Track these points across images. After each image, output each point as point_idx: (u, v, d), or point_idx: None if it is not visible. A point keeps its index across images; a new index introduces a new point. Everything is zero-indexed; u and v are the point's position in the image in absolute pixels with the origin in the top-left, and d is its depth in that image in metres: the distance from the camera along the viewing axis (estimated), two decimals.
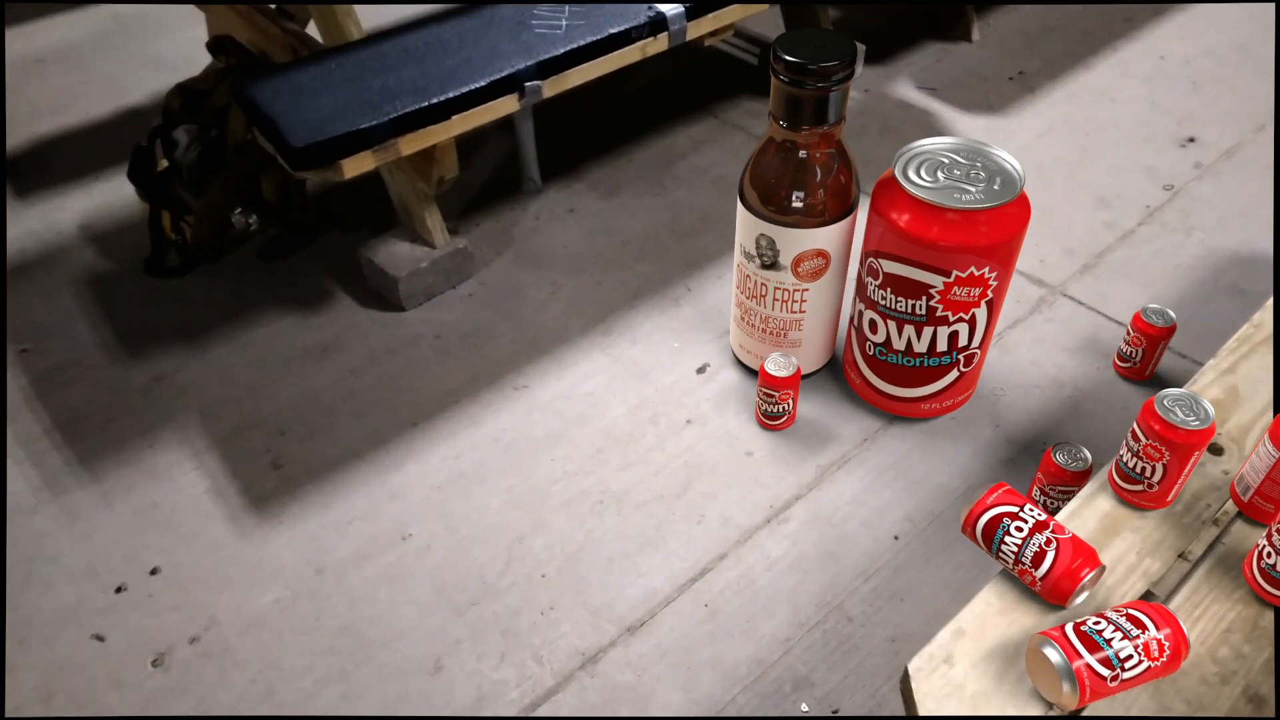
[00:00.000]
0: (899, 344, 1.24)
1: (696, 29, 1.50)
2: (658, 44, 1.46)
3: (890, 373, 1.28)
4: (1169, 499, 0.84)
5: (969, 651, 0.75)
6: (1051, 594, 0.76)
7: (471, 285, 1.59)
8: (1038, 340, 1.47)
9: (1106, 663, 0.69)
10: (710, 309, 1.54)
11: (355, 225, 1.68)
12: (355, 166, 1.24)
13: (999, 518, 0.79)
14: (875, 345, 1.27)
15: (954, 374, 1.26)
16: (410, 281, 1.51)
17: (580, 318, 1.52)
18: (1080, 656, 0.69)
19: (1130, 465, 0.84)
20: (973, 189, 1.12)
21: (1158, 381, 1.40)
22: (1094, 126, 1.93)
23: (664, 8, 1.46)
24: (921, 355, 1.23)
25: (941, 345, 1.22)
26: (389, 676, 1.09)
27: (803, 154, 1.18)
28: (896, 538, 1.21)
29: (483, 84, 1.30)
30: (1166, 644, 0.70)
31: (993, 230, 1.11)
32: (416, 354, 1.47)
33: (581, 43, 1.38)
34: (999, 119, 1.97)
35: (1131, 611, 0.71)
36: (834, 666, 1.08)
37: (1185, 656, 0.71)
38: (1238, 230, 1.68)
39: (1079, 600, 0.78)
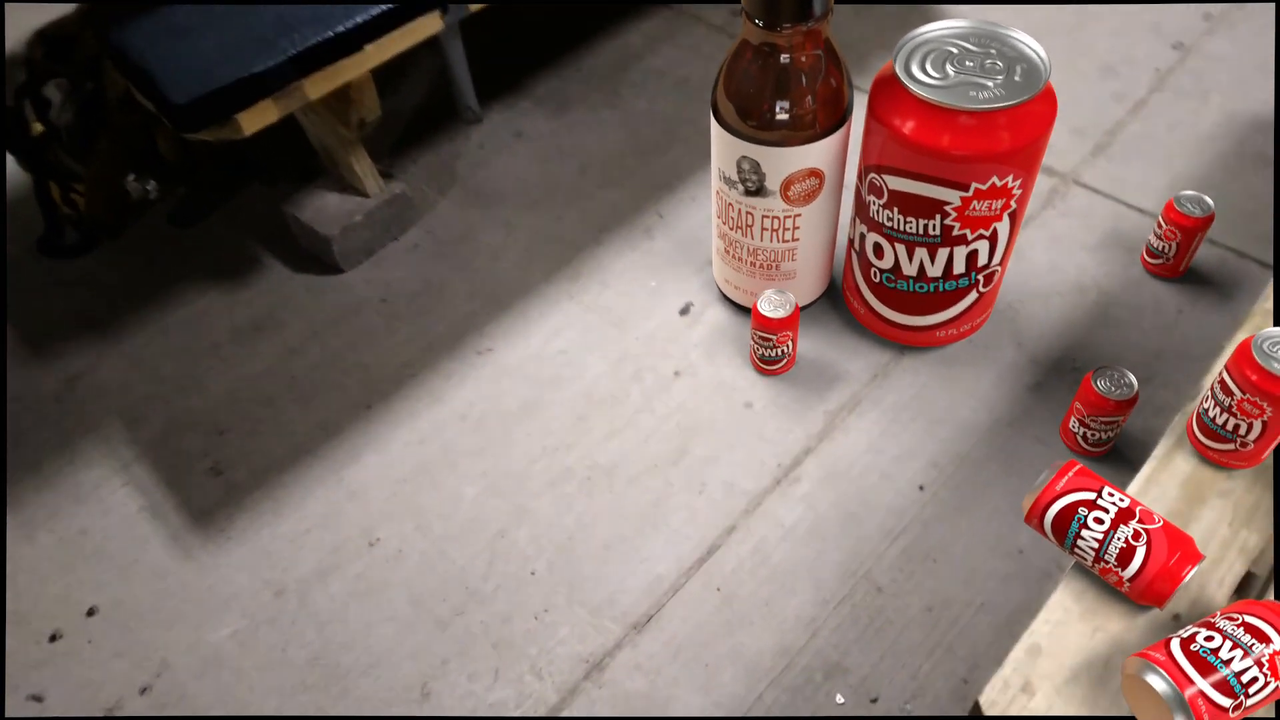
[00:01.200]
0: (909, 269, 1.08)
1: None
2: None
3: (899, 300, 1.13)
4: (1264, 457, 0.71)
5: (1049, 674, 0.63)
6: (1144, 596, 0.64)
7: (416, 235, 1.40)
8: (1053, 240, 1.32)
9: (1225, 688, 0.56)
10: (687, 237, 1.36)
11: (275, 175, 1.47)
12: (255, 120, 1.03)
13: (1073, 507, 0.66)
14: (881, 272, 1.11)
15: (972, 296, 1.11)
16: (345, 239, 1.32)
17: (542, 262, 1.35)
18: (1192, 683, 0.57)
19: (1218, 421, 0.70)
20: (989, 83, 0.95)
21: (1194, 277, 1.25)
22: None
23: None
24: (936, 280, 1.08)
25: (959, 267, 1.06)
26: (371, 709, 0.96)
27: (785, 58, 0.99)
28: (921, 488, 1.08)
29: (393, 3, 1.09)
30: None
31: (1016, 132, 0.95)
32: (362, 323, 1.30)
33: None
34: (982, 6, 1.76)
35: (1249, 620, 0.59)
36: (867, 647, 0.97)
37: None
38: (1259, 89, 1.52)
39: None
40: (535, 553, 1.06)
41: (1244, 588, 0.67)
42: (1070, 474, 0.67)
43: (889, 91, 0.98)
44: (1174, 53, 1.60)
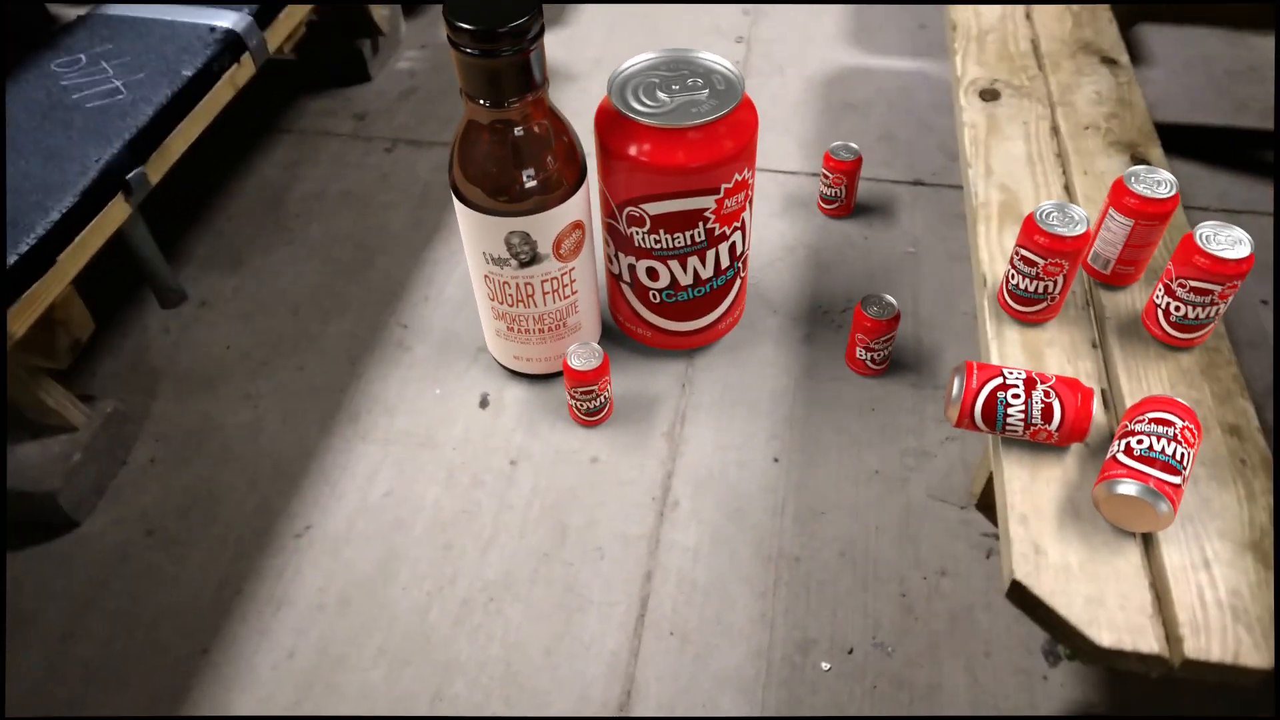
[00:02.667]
0: (686, 279, 1.17)
1: (274, 37, 1.23)
2: (245, 70, 1.17)
3: (683, 310, 1.21)
4: (1063, 302, 0.89)
5: (1047, 530, 0.74)
6: (1070, 438, 0.77)
7: (145, 450, 1.21)
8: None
9: (1170, 469, 0.71)
10: (442, 335, 1.33)
11: None
12: None
13: (993, 395, 0.78)
14: (660, 291, 1.18)
15: (737, 284, 1.23)
16: (72, 485, 1.10)
17: (308, 418, 1.23)
18: (1150, 477, 0.71)
19: (1029, 289, 0.86)
20: (702, 98, 1.06)
21: (861, 210, 1.49)
22: (640, 11, 1.96)
23: (225, 22, 1.16)
24: (709, 279, 1.18)
25: (725, 262, 1.17)
26: None
27: (519, 130, 1.02)
28: (776, 459, 1.18)
29: (74, 198, 0.94)
30: (1194, 425, 0.74)
31: (740, 131, 1.07)
32: (138, 568, 1.09)
33: (162, 99, 1.06)
34: (564, 30, 1.92)
35: (1152, 415, 0.74)
36: (817, 611, 1.04)
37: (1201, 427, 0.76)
38: (815, 55, 1.84)
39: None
40: (484, 697, 0.98)
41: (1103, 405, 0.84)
42: (975, 372, 0.80)
43: (622, 131, 1.05)
44: (740, 45, 1.88)
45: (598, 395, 1.17)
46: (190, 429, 1.23)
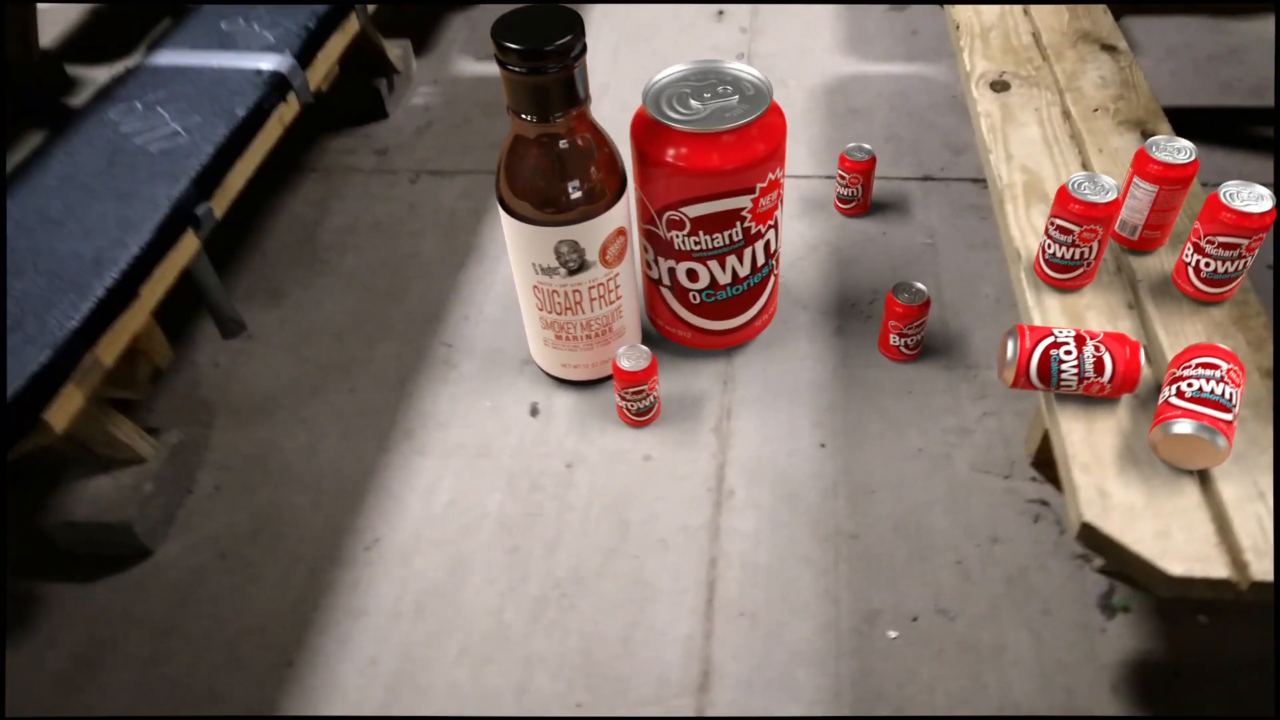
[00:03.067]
0: (724, 278, 1.22)
1: (314, 76, 1.28)
2: (290, 108, 1.23)
3: (722, 309, 1.26)
4: (1097, 268, 0.94)
5: (1109, 475, 0.79)
6: (1121, 389, 0.82)
7: (210, 478, 1.24)
8: None
9: (1222, 407, 0.76)
10: (486, 352, 1.38)
11: None
12: (64, 414, 0.87)
13: (1046, 354, 0.82)
14: (700, 292, 1.23)
15: (772, 281, 1.28)
16: (146, 515, 1.14)
17: (366, 437, 1.27)
18: (1205, 415, 0.76)
19: (1066, 257, 0.92)
20: (734, 103, 1.12)
21: (876, 207, 1.55)
22: (641, 35, 2.03)
23: (269, 65, 1.22)
24: (747, 278, 1.23)
25: (760, 259, 1.22)
26: None
27: (564, 143, 1.07)
28: (823, 445, 1.22)
29: (150, 235, 0.99)
30: (1239, 368, 0.79)
31: (770, 132, 1.12)
32: (214, 590, 1.12)
33: (220, 138, 1.11)
34: None
35: (1200, 360, 0.79)
36: (877, 582, 1.08)
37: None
38: (815, 66, 1.91)
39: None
40: (566, 687, 1.01)
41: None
42: (1026, 334, 0.84)
43: (660, 138, 1.10)
44: (741, 62, 1.94)
45: (647, 395, 1.21)
46: (251, 455, 1.26)
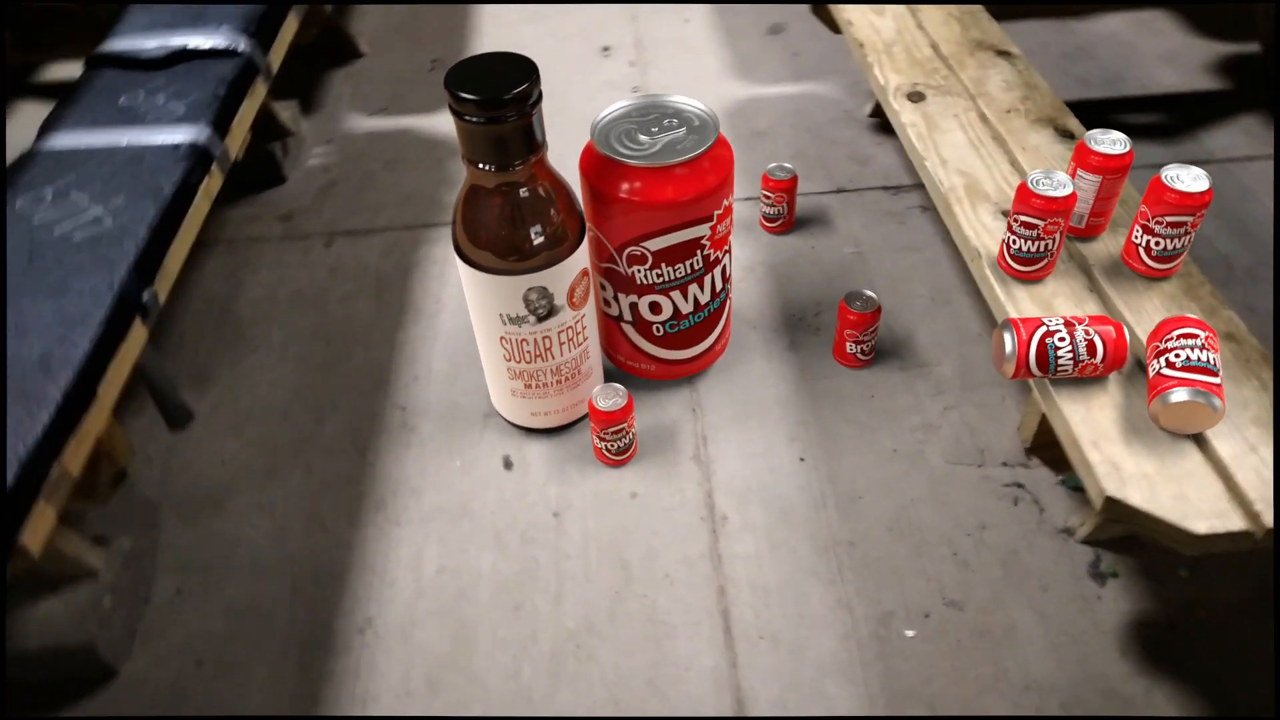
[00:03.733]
0: (687, 307, 1.22)
1: (232, 145, 1.22)
2: (215, 180, 1.16)
3: (685, 338, 1.27)
4: (1055, 263, 1.00)
5: (1118, 449, 0.84)
6: (1112, 366, 0.88)
7: (169, 581, 1.15)
8: None
9: (1210, 372, 0.82)
10: (444, 409, 1.33)
11: None
12: (39, 533, 0.79)
13: (1042, 343, 0.87)
14: (664, 324, 1.24)
15: (727, 305, 1.30)
16: (107, 631, 1.04)
17: (334, 514, 1.21)
18: (1198, 382, 0.81)
19: (1031, 250, 0.97)
20: (683, 133, 1.13)
21: (800, 223, 1.60)
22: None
23: (185, 137, 1.15)
24: (708, 304, 1.24)
25: (719, 284, 1.24)
26: None
27: (524, 191, 1.06)
28: (802, 459, 1.24)
29: (98, 329, 0.91)
30: (1212, 334, 0.86)
31: (721, 159, 1.14)
32: (199, 702, 1.04)
33: (153, 218, 1.03)
34: None
35: (1178, 333, 0.85)
36: (884, 585, 1.10)
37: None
38: (709, 92, 1.96)
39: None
40: None
41: None
42: (1020, 326, 0.89)
43: (618, 176, 1.10)
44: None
45: (626, 433, 1.20)
46: (210, 552, 1.18)
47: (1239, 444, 0.83)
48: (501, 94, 0.97)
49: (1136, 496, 0.80)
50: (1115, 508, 0.80)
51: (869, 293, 1.29)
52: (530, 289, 1.09)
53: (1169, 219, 0.93)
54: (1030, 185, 0.95)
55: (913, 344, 1.38)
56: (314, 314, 1.50)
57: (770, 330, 1.42)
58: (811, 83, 1.98)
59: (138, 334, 0.96)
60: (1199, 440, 0.84)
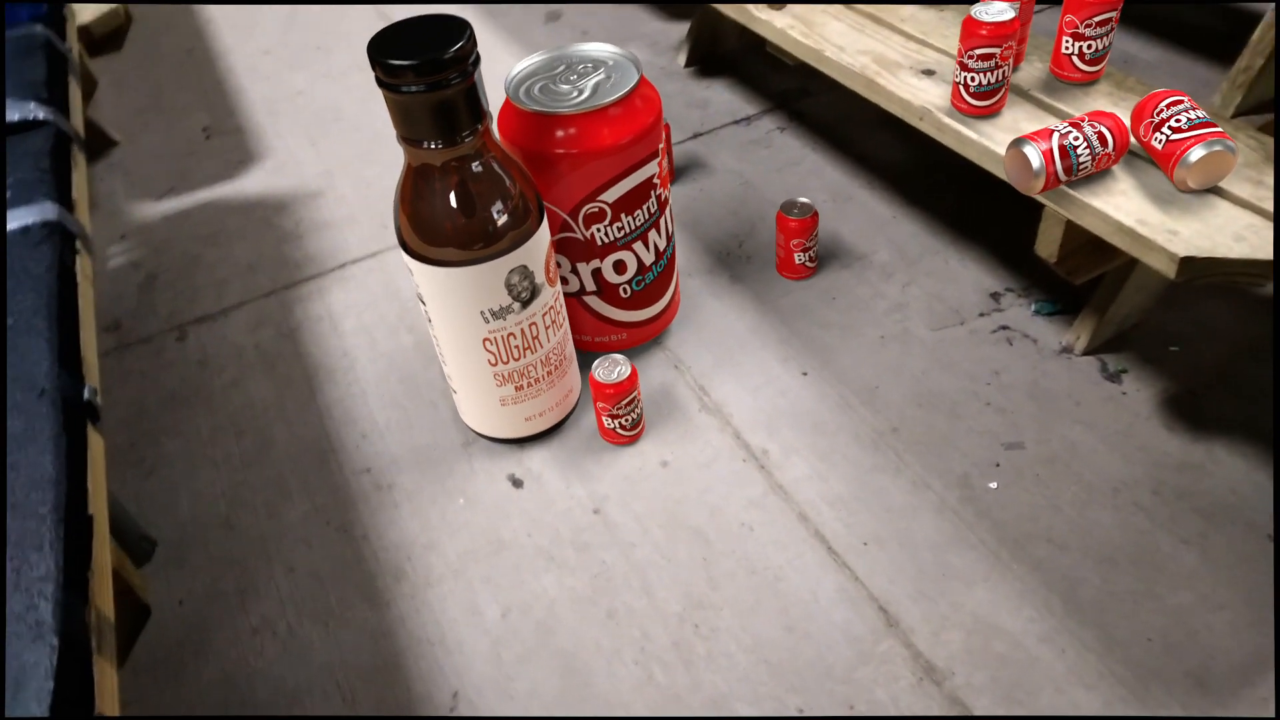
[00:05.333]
0: (649, 257, 1.16)
1: (83, 219, 1.01)
2: (86, 261, 0.95)
3: (650, 294, 1.20)
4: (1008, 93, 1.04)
5: (1162, 221, 0.87)
6: (1119, 153, 0.92)
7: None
8: None
9: (1211, 125, 0.89)
10: (414, 454, 1.18)
11: None
12: (110, 693, 0.59)
13: (1061, 145, 0.89)
14: (630, 282, 1.16)
15: (674, 249, 1.25)
16: None
17: (350, 606, 1.03)
18: (1209, 134, 0.87)
19: (989, 81, 1.00)
20: (606, 78, 1.07)
21: (679, 174, 1.58)
22: (351, 116, 1.88)
23: (33, 217, 0.94)
24: (665, 250, 1.18)
25: (670, 226, 1.18)
26: None
27: (477, 165, 0.95)
28: (805, 373, 1.21)
29: (54, 441, 0.71)
30: (1188, 96, 0.92)
31: (650, 93, 1.09)
32: None
33: (48, 307, 0.83)
34: (270, 160, 1.77)
35: (1170, 100, 0.91)
36: (945, 454, 1.10)
37: None
38: None
39: None
40: (772, 701, 0.90)
41: None
42: (1038, 139, 0.91)
43: (552, 131, 1.02)
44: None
45: (638, 402, 1.12)
46: (219, 698, 0.96)
47: (1246, 185, 0.90)
48: (441, 54, 0.86)
49: (1203, 248, 0.84)
50: (1191, 265, 0.84)
51: (802, 199, 1.29)
52: (513, 271, 0.98)
53: (1098, 18, 1.00)
54: (977, 16, 0.98)
55: (841, 243, 1.40)
56: (203, 412, 1.27)
57: (707, 274, 1.38)
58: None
59: (96, 442, 0.75)
60: (1218, 192, 0.90)
